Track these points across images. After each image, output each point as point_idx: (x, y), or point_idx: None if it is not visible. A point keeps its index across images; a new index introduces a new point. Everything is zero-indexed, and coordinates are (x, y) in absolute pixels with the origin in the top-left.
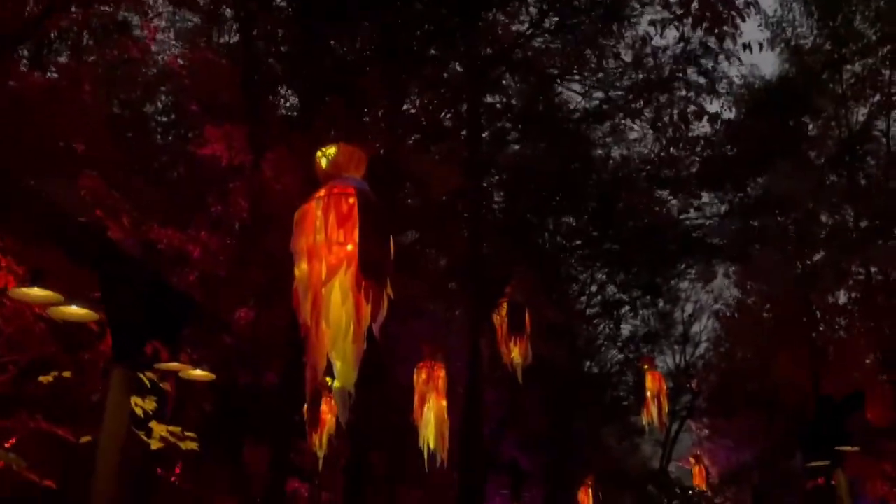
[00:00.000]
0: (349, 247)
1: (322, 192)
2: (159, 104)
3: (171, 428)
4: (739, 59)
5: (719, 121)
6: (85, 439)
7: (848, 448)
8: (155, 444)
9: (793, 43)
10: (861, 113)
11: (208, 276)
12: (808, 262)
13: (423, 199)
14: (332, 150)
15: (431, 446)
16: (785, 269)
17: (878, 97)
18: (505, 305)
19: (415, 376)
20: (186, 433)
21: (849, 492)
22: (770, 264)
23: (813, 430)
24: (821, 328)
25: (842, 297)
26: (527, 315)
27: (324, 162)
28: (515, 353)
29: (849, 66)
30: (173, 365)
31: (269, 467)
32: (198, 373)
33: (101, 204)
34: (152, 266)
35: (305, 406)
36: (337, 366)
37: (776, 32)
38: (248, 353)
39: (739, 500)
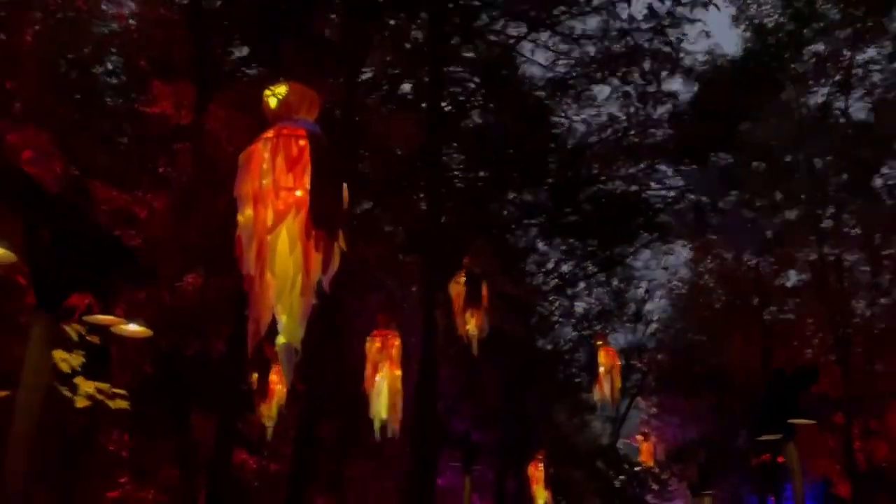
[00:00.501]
0: (298, 192)
1: (270, 133)
2: (109, 65)
3: (98, 385)
4: (706, 32)
5: (678, 97)
6: (2, 394)
7: (801, 421)
8: (81, 402)
9: (756, 21)
10: (821, 93)
11: (155, 239)
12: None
13: (381, 160)
14: (281, 90)
15: (384, 417)
16: (755, 229)
17: (838, 77)
18: (462, 277)
19: (367, 344)
20: (116, 391)
21: (799, 463)
22: (739, 224)
23: (765, 405)
24: (772, 308)
25: (792, 279)
26: (484, 287)
27: (272, 101)
28: (471, 325)
29: (810, 46)
30: (104, 318)
31: (216, 437)
32: (132, 328)
33: (30, 146)
34: (81, 207)
35: (255, 375)
36: (282, 320)
37: (741, 9)
38: (196, 320)
39: (685, 476)
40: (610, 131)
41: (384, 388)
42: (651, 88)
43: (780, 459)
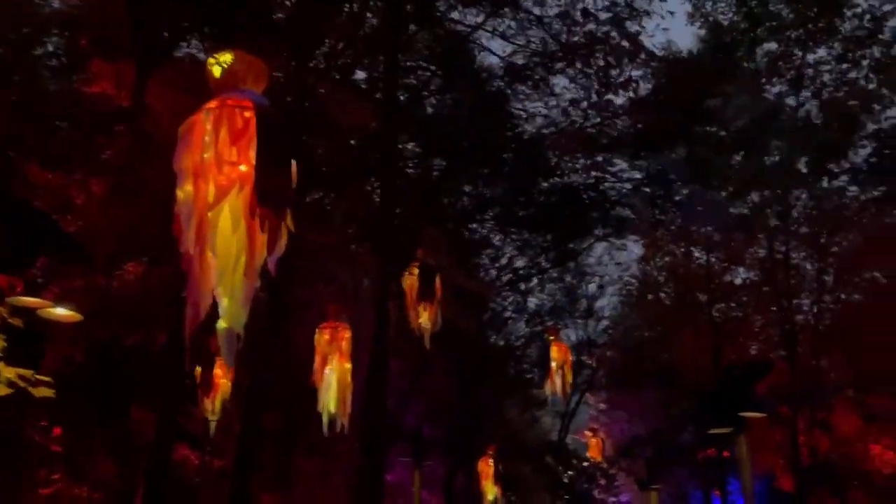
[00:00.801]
0: (243, 167)
1: (213, 104)
2: (50, 46)
3: (20, 371)
4: (664, 28)
5: (638, 89)
6: None
7: (752, 414)
8: (1, 390)
9: (711, 18)
10: (773, 91)
11: (93, 224)
12: (749, 202)
13: (334, 148)
14: (227, 58)
15: (332, 411)
16: (722, 211)
17: (789, 76)
18: (416, 269)
19: (316, 336)
20: (40, 377)
21: (749, 456)
22: (706, 207)
23: (716, 398)
24: (720, 305)
25: (741, 276)
26: (437, 280)
27: (217, 70)
28: (424, 319)
29: (763, 45)
30: (29, 300)
31: (156, 431)
32: (60, 312)
33: None
34: (4, 184)
35: (198, 368)
36: (223, 303)
37: (697, 6)
38: (137, 309)
39: (633, 471)
40: (567, 122)
41: (333, 381)
42: (610, 77)
43: (726, 454)
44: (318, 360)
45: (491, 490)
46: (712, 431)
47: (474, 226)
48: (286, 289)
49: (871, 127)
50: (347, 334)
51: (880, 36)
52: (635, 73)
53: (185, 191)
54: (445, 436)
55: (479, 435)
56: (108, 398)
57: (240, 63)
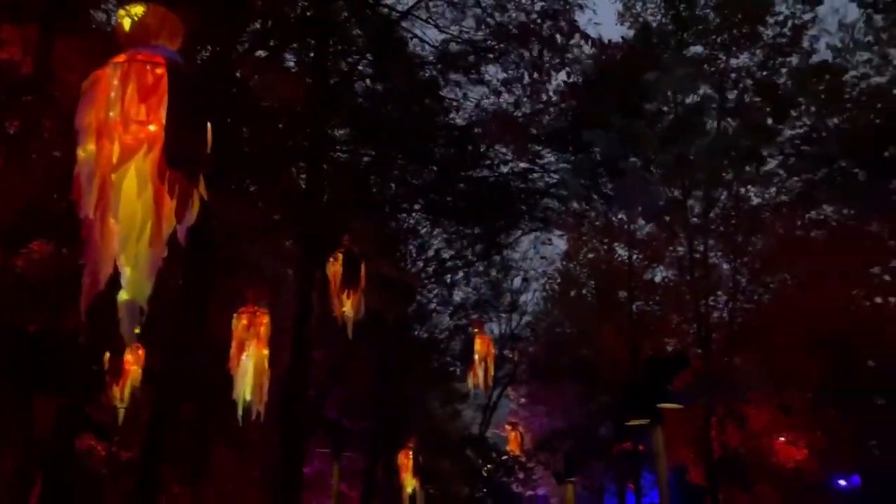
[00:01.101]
0: (152, 127)
1: (121, 58)
2: None
3: None
4: (595, 22)
5: (568, 82)
6: None
7: (669, 405)
8: None
9: (641, 19)
10: (699, 93)
11: None
12: (676, 192)
13: (259, 127)
14: (138, 10)
15: (248, 399)
16: (651, 198)
17: (714, 79)
18: (340, 256)
19: (234, 321)
20: None
21: (665, 448)
22: (635, 194)
23: (635, 390)
24: (639, 303)
25: (660, 275)
26: (362, 268)
27: (126, 23)
28: (347, 307)
29: (691, 48)
30: None
31: (56, 421)
32: None
33: None
34: None
35: (107, 353)
36: (126, 273)
37: (627, 5)
38: (43, 292)
39: (551, 464)
40: (498, 113)
41: (250, 367)
42: (543, 64)
43: (640, 448)
44: (234, 345)
45: (410, 483)
46: (630, 423)
47: (402, 215)
48: (205, 267)
49: (787, 133)
50: (266, 320)
51: (800, 44)
52: (569, 57)
53: (86, 150)
54: (366, 428)
55: (401, 427)
56: (9, 386)
57: (152, 16)
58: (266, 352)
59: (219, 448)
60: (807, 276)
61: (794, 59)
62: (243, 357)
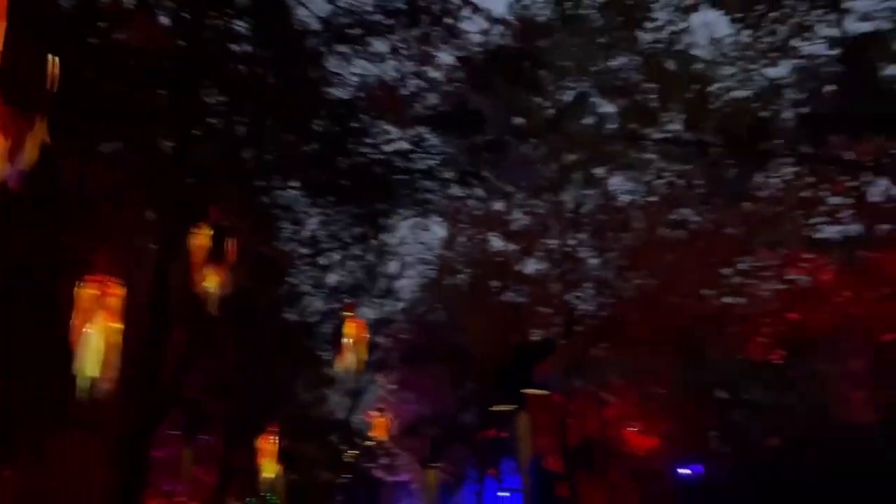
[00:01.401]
0: None
1: None
2: None
3: None
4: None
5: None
6: None
7: (534, 391)
8: None
9: (528, 14)
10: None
11: None
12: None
13: (121, 81)
14: None
15: (92, 375)
16: (534, 174)
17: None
18: (206, 229)
19: (78, 290)
20: None
21: (528, 434)
22: (520, 169)
23: (501, 377)
24: (510, 293)
25: (531, 266)
26: (230, 242)
27: None
28: (212, 282)
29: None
30: None
31: None
32: None
33: None
34: None
35: None
36: None
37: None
38: None
39: (416, 451)
40: (384, 88)
41: (96, 341)
42: (432, 42)
43: (503, 434)
44: (77, 317)
45: (271, 468)
46: (496, 409)
47: (278, 191)
48: (49, 226)
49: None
50: (119, 291)
51: (675, 49)
52: (459, 32)
53: None
54: (226, 410)
55: (263, 411)
56: None
57: None
58: (117, 325)
59: (61, 429)
60: (665, 275)
61: (671, 65)
62: (88, 330)
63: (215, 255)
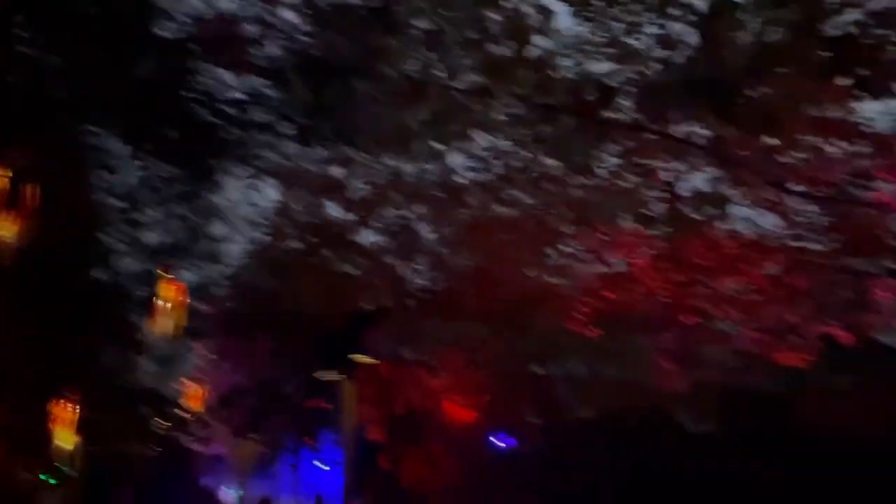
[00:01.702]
0: None
1: None
2: None
3: None
4: None
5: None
6: None
7: (363, 358)
8: None
9: None
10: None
11: None
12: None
13: None
14: None
15: None
16: (382, 127)
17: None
18: (2, 168)
19: None
20: None
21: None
22: (368, 121)
23: (328, 344)
24: (345, 264)
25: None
26: (31, 188)
27: None
28: (7, 229)
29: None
30: None
31: None
32: None
33: None
34: None
35: None
36: None
37: None
38: None
39: (234, 421)
40: (220, 26)
41: None
42: None
43: (325, 405)
44: None
45: (68, 438)
46: (321, 376)
47: (92, 136)
48: None
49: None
50: None
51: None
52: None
53: None
54: (16, 372)
55: (61, 375)
56: None
57: None
58: None
59: None
60: (496, 254)
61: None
62: None
63: (10, 199)
